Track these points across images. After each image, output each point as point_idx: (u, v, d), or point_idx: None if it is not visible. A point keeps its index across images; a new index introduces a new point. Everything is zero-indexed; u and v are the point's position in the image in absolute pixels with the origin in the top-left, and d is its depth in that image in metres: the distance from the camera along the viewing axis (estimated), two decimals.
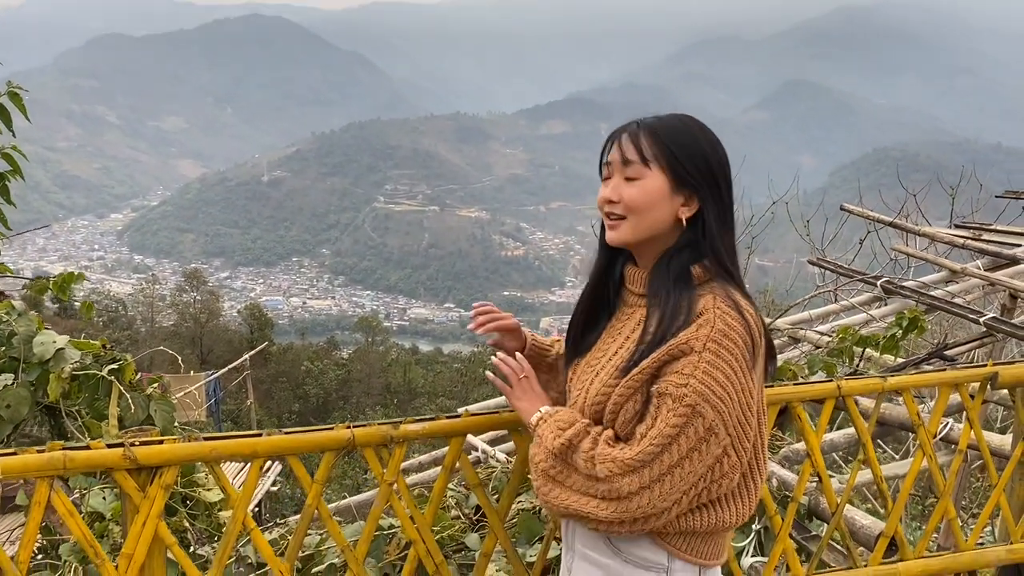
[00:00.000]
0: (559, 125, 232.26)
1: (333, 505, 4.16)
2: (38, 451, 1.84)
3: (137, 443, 1.89)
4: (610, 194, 1.77)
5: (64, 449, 1.84)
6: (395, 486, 2.10)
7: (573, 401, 1.84)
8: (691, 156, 1.73)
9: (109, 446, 1.88)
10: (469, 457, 3.71)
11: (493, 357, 1.99)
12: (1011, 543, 2.69)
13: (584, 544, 1.81)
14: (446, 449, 2.21)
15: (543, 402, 1.89)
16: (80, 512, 2.83)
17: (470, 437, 3.84)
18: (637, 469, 1.63)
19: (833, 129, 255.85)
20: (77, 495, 2.99)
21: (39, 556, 2.94)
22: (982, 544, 2.81)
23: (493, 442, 4.31)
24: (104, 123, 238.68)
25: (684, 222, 1.74)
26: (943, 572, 2.64)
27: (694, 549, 1.75)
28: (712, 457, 1.65)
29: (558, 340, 2.05)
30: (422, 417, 2.14)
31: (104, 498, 2.95)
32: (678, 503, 1.66)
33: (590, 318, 1.91)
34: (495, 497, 3.03)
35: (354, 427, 2.05)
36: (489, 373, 1.99)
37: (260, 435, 1.99)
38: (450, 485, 3.34)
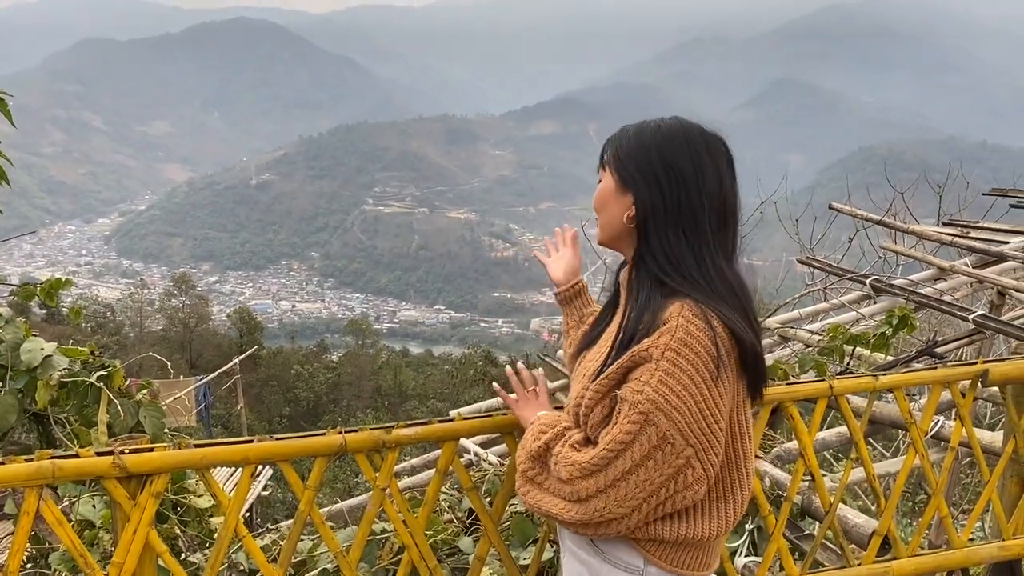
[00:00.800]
0: (548, 126, 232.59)
1: (325, 510, 4.15)
2: (26, 460, 1.82)
3: (127, 451, 1.88)
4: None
5: (53, 458, 1.83)
6: (388, 491, 2.09)
7: (568, 401, 1.89)
8: (632, 155, 1.74)
9: (98, 454, 1.87)
10: (462, 460, 3.70)
11: (507, 368, 2.08)
12: (1003, 540, 2.70)
13: (571, 541, 1.84)
14: (438, 452, 2.20)
15: (542, 408, 1.98)
16: (70, 520, 2.81)
17: (463, 440, 3.83)
18: (593, 473, 1.66)
19: (821, 127, 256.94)
20: (67, 503, 2.97)
21: (28, 565, 2.91)
22: (974, 541, 2.82)
23: (485, 445, 4.30)
24: (90, 128, 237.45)
25: (628, 222, 1.76)
26: (936, 570, 2.65)
27: (669, 557, 1.74)
28: (671, 467, 1.62)
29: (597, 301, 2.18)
30: (414, 421, 2.13)
31: (94, 506, 2.93)
32: (638, 509, 1.65)
33: (601, 319, 1.96)
34: (488, 500, 3.02)
35: (346, 432, 2.04)
36: (495, 384, 2.05)
37: (251, 441, 1.98)
38: (443, 488, 3.34)
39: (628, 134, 1.79)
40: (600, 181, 1.82)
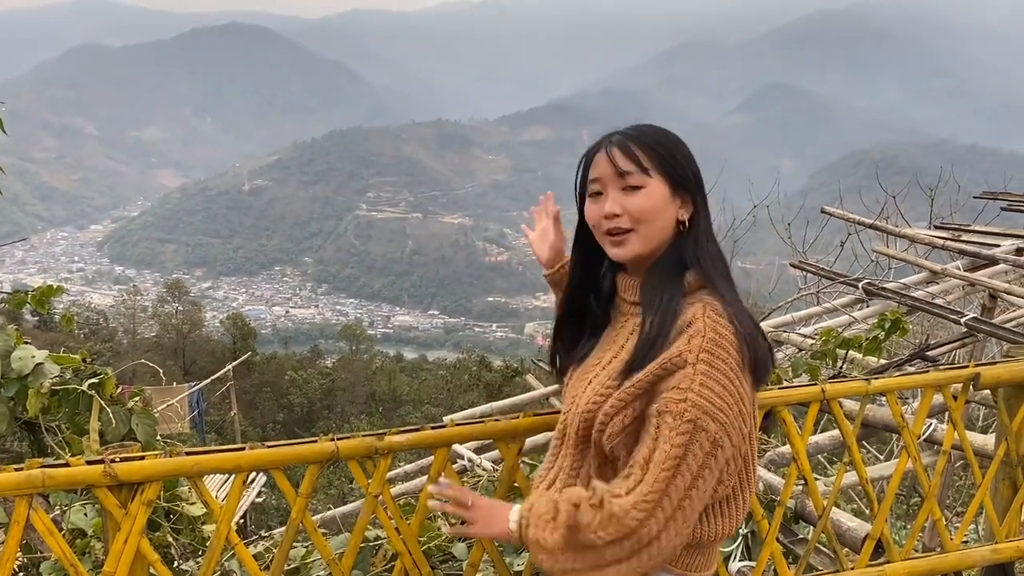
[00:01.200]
0: (541, 131, 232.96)
1: (318, 516, 4.13)
2: (16, 469, 1.81)
3: (118, 459, 1.87)
4: (612, 207, 1.73)
5: (43, 467, 1.81)
6: (380, 497, 2.09)
7: (567, 409, 1.82)
8: (682, 160, 1.74)
9: (89, 463, 1.86)
10: (455, 466, 3.69)
11: (430, 487, 1.85)
12: (996, 543, 2.71)
13: None
14: (431, 458, 2.19)
15: (505, 508, 1.72)
16: (61, 529, 2.79)
17: (456, 446, 3.82)
18: (656, 505, 1.57)
19: (812, 132, 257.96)
20: (58, 512, 2.95)
21: (20, 575, 2.90)
22: (968, 544, 2.83)
23: (479, 451, 4.29)
24: (82, 134, 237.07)
25: (680, 227, 1.74)
26: (929, 573, 2.65)
27: (683, 560, 1.74)
28: (719, 469, 1.62)
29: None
30: (407, 428, 2.12)
31: (86, 514, 2.91)
32: (694, 521, 1.64)
33: (580, 326, 1.90)
34: None
35: (338, 439, 2.03)
36: (433, 503, 1.80)
37: (243, 449, 1.97)
38: None
39: (658, 139, 1.74)
40: (636, 188, 1.72)
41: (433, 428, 2.14)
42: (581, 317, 1.91)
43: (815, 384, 2.49)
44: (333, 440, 2.03)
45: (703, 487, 1.60)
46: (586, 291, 1.89)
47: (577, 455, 1.79)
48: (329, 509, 4.89)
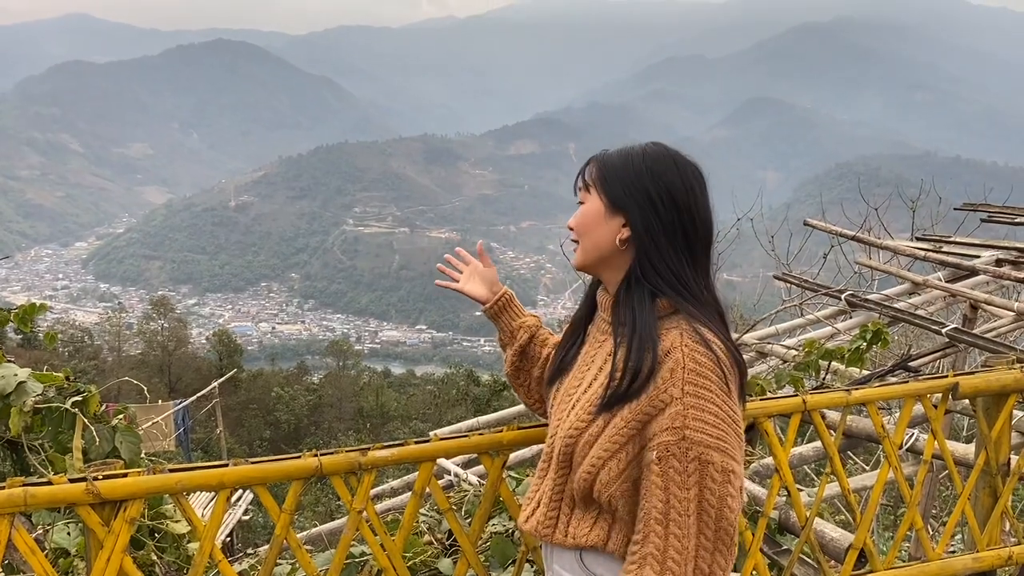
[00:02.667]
0: (527, 145, 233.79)
1: (304, 533, 4.12)
2: None
3: (100, 477, 1.86)
4: (570, 220, 1.84)
5: (25, 485, 1.81)
6: (364, 513, 2.09)
7: (552, 431, 1.82)
8: (622, 177, 1.74)
9: (72, 481, 1.85)
10: (441, 481, 3.69)
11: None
12: (977, 551, 2.73)
13: (561, 566, 1.81)
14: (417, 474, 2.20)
15: None
16: (43, 549, 2.77)
17: (442, 460, 3.82)
18: (693, 552, 1.59)
19: (796, 145, 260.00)
20: (41, 531, 2.93)
21: None
22: (953, 553, 2.85)
23: (465, 465, 4.29)
24: (67, 151, 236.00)
25: (621, 243, 1.74)
26: None
27: None
28: (739, 491, 1.63)
29: (536, 317, 2.15)
30: (391, 443, 2.13)
31: (68, 533, 2.90)
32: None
33: (572, 341, 1.92)
34: (468, 521, 3.02)
35: (322, 455, 2.03)
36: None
37: (227, 465, 1.97)
38: (423, 509, 3.32)
39: (613, 158, 1.78)
40: (581, 203, 1.80)
41: (417, 442, 2.14)
42: (580, 329, 1.94)
43: (796, 395, 2.51)
44: (316, 456, 2.03)
45: (731, 516, 1.60)
46: (588, 302, 1.94)
47: (559, 479, 1.79)
48: (315, 526, 4.87)
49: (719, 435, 1.59)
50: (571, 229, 1.83)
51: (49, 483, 1.84)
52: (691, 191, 1.74)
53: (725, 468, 1.59)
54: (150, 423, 13.23)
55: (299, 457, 2.03)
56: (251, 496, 13.87)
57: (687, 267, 1.72)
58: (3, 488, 1.81)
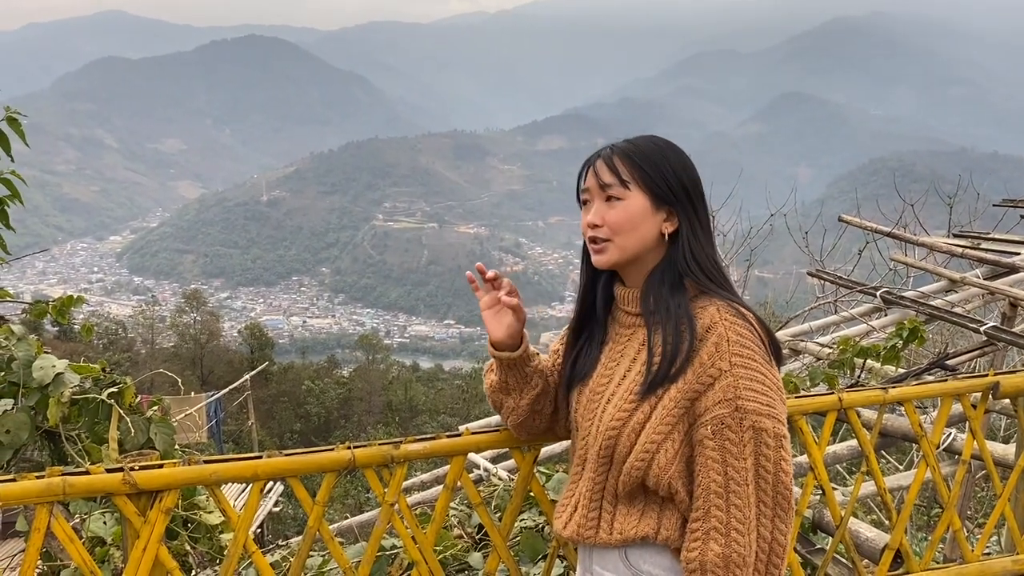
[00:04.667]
0: (556, 141, 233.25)
1: (335, 526, 4.14)
2: (37, 477, 1.83)
3: (137, 467, 1.88)
4: (593, 218, 1.78)
5: (63, 475, 1.83)
6: (396, 506, 2.09)
7: (585, 432, 1.81)
8: (665, 174, 1.77)
9: (108, 471, 1.87)
10: (471, 475, 3.69)
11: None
12: (1017, 553, 2.68)
13: (603, 567, 1.79)
14: (447, 467, 2.20)
15: None
16: (80, 537, 2.81)
17: (472, 455, 3.83)
18: (754, 519, 1.62)
19: (829, 140, 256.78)
20: (78, 520, 2.98)
21: None
22: (989, 555, 2.79)
23: (495, 460, 4.29)
24: (102, 146, 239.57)
25: (666, 238, 1.77)
26: None
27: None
28: (791, 456, 1.67)
29: (537, 355, 2.01)
30: (423, 436, 2.13)
31: (105, 522, 2.93)
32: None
33: (583, 342, 1.90)
34: (497, 515, 3.02)
35: (354, 447, 2.04)
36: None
37: (260, 457, 1.98)
38: (452, 503, 3.33)
39: (644, 153, 1.78)
40: (613, 198, 1.76)
41: (449, 437, 2.15)
42: (589, 327, 1.91)
43: (832, 393, 2.48)
44: (350, 448, 2.04)
45: (787, 480, 1.64)
46: (592, 301, 1.89)
47: (598, 478, 1.78)
48: (346, 518, 4.90)
49: (768, 402, 1.64)
50: (597, 226, 1.77)
51: (87, 473, 1.86)
52: (701, 185, 1.82)
53: (777, 433, 1.64)
54: (183, 415, 13.39)
55: (332, 449, 2.04)
56: (281, 488, 14.00)
57: (714, 252, 1.80)
58: (42, 477, 1.83)
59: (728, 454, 1.62)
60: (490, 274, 1.93)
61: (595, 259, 1.80)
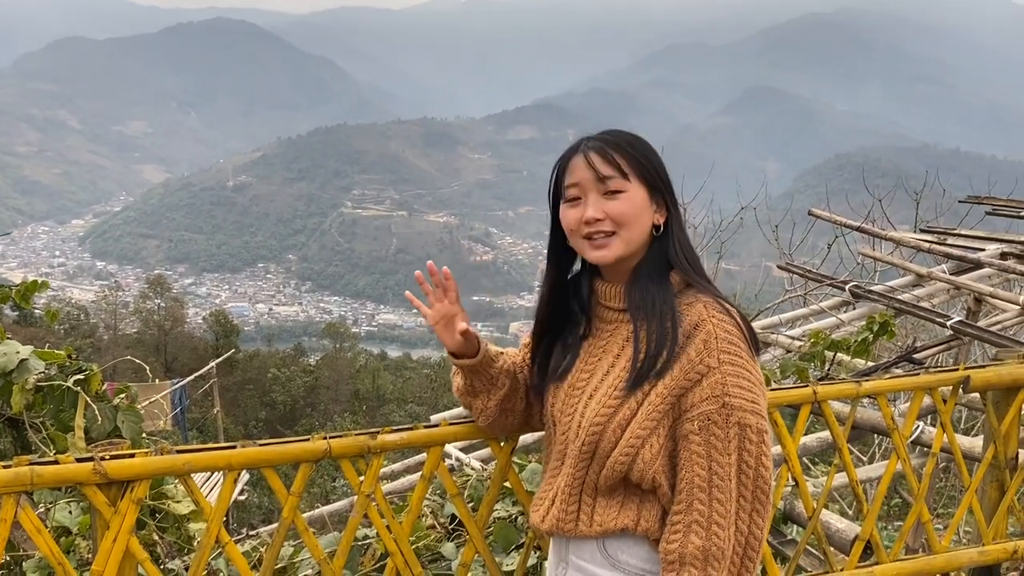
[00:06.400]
0: (527, 130, 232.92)
1: (306, 515, 4.11)
2: (3, 467, 1.78)
3: (107, 457, 1.84)
4: (594, 212, 1.73)
5: (31, 464, 1.79)
6: (372, 497, 2.07)
7: (565, 428, 1.78)
8: (655, 165, 1.77)
9: (78, 460, 1.83)
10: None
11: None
12: (983, 545, 2.72)
13: (579, 556, 1.78)
14: (419, 457, 2.18)
15: None
16: (46, 527, 2.76)
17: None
18: (734, 513, 1.63)
19: (797, 135, 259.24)
20: (42, 509, 2.92)
21: (1, 573, 2.86)
22: (958, 545, 2.84)
23: (465, 449, 4.28)
24: (65, 128, 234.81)
25: (655, 231, 1.76)
26: (917, 574, 2.66)
27: None
28: (770, 452, 1.69)
29: (502, 353, 1.97)
30: (400, 427, 2.11)
31: (71, 512, 2.88)
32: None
33: (557, 339, 1.87)
34: (471, 506, 3.01)
35: (330, 438, 2.02)
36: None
37: (234, 447, 1.95)
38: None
39: (634, 145, 1.76)
40: (618, 193, 1.72)
41: (426, 427, 2.13)
42: (555, 329, 1.87)
43: (806, 386, 2.50)
44: (326, 439, 2.01)
45: (767, 475, 1.66)
46: (561, 298, 1.86)
47: (579, 473, 1.76)
48: (315, 508, 4.86)
49: (753, 398, 1.66)
50: (598, 220, 1.72)
51: (55, 462, 1.82)
52: None
53: (760, 429, 1.66)
54: (148, 402, 13.21)
55: (308, 440, 2.01)
56: (247, 476, 13.89)
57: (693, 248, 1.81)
58: (9, 467, 1.79)
59: (713, 449, 1.63)
60: (444, 271, 1.90)
61: (596, 255, 1.75)
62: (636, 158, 1.75)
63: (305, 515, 4.07)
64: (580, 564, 1.78)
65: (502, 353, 1.98)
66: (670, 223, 1.77)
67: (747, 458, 1.64)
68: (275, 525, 2.18)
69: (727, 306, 1.71)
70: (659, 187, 1.76)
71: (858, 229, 6.76)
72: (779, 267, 6.65)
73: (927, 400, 2.69)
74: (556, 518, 1.79)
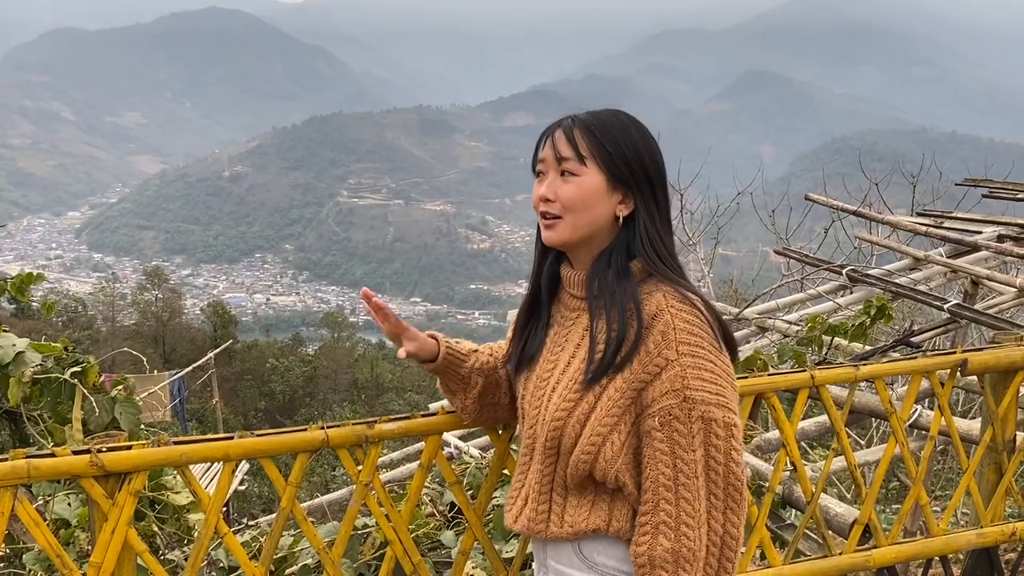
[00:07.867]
0: (523, 117, 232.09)
1: (305, 504, 4.12)
2: (0, 459, 1.78)
3: (104, 449, 1.84)
4: (546, 192, 1.69)
5: (28, 457, 1.79)
6: (370, 486, 2.07)
7: (532, 421, 1.74)
8: (625, 153, 1.67)
9: (75, 453, 1.83)
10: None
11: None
12: (981, 527, 2.73)
13: (557, 560, 1.74)
14: (417, 445, 2.18)
15: None
16: (44, 519, 2.76)
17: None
18: (704, 512, 1.57)
19: (793, 119, 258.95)
20: (41, 502, 2.92)
21: (1, 565, 2.87)
22: (957, 528, 2.85)
23: (464, 437, 4.29)
24: (59, 119, 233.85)
25: (620, 220, 1.68)
26: (916, 557, 2.68)
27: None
28: (741, 446, 1.61)
29: (476, 351, 1.94)
30: (397, 416, 2.11)
31: (69, 504, 2.88)
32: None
33: (531, 326, 1.82)
34: (470, 493, 3.01)
35: (328, 428, 2.02)
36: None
37: (232, 438, 1.95)
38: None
39: (605, 128, 1.68)
40: (572, 176, 1.67)
41: (424, 416, 2.13)
42: (536, 312, 1.83)
43: (804, 370, 2.49)
44: (323, 429, 2.01)
45: (738, 471, 1.59)
46: (541, 281, 1.81)
47: (546, 469, 1.72)
48: (315, 497, 4.87)
49: (718, 391, 1.57)
50: (548, 201, 1.69)
51: (52, 455, 1.82)
52: (664, 165, 1.73)
53: (727, 423, 1.58)
54: (147, 394, 13.21)
55: (305, 430, 2.01)
56: (247, 466, 13.91)
57: (671, 240, 1.71)
58: (6, 460, 1.78)
59: (677, 446, 1.56)
60: (376, 301, 1.82)
61: (545, 235, 1.72)
62: (601, 142, 1.67)
63: (304, 505, 4.08)
64: (559, 568, 1.74)
65: (476, 351, 1.93)
66: (638, 215, 1.68)
67: (714, 454, 1.56)
68: (274, 515, 2.18)
69: (688, 295, 1.63)
70: (624, 177, 1.67)
71: (855, 213, 6.75)
72: (776, 252, 6.64)
73: (925, 383, 2.69)
74: (528, 519, 1.74)
